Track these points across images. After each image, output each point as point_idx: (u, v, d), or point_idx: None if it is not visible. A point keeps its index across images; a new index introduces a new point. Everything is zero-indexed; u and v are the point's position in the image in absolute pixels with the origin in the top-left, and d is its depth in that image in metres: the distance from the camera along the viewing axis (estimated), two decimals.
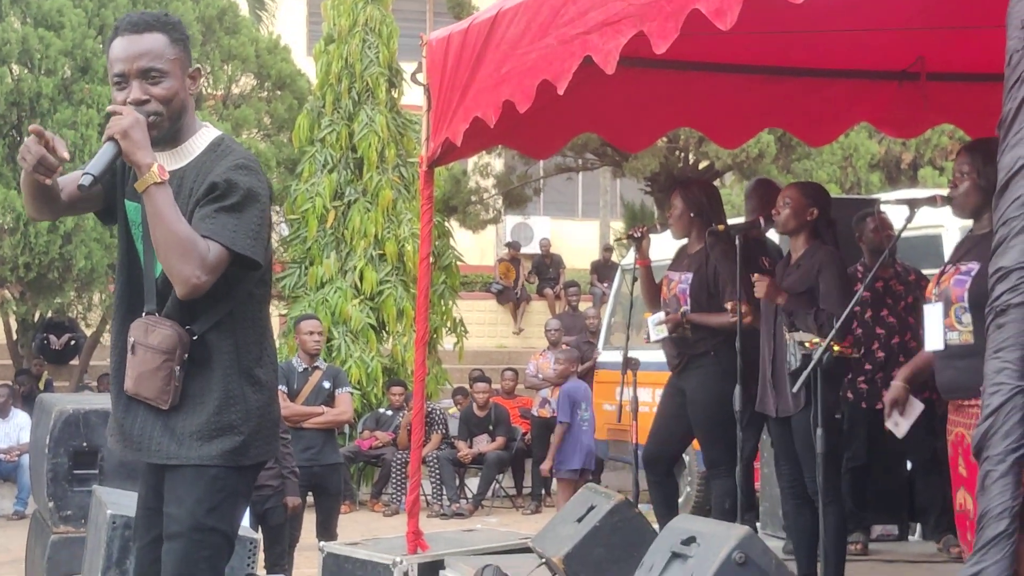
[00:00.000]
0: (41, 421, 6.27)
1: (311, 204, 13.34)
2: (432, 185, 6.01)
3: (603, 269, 19.18)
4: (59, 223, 12.03)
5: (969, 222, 4.30)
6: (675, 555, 3.97)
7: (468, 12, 14.05)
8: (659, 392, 6.17)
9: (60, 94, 12.69)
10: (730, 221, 5.98)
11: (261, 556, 6.27)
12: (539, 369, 12.31)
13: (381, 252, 13.39)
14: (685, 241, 6.03)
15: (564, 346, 12.21)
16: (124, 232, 3.39)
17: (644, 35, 3.79)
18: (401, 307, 13.21)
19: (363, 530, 9.58)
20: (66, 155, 3.09)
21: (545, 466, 10.90)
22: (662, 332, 5.87)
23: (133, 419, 3.32)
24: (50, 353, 15.88)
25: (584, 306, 15.92)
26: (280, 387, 7.43)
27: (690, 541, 3.94)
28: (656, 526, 5.13)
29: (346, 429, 12.29)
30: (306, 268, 13.45)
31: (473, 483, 12.42)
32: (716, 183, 14.61)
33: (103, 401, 5.86)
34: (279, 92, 15.17)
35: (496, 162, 17.06)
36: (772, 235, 6.11)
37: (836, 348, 4.68)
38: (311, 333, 7.95)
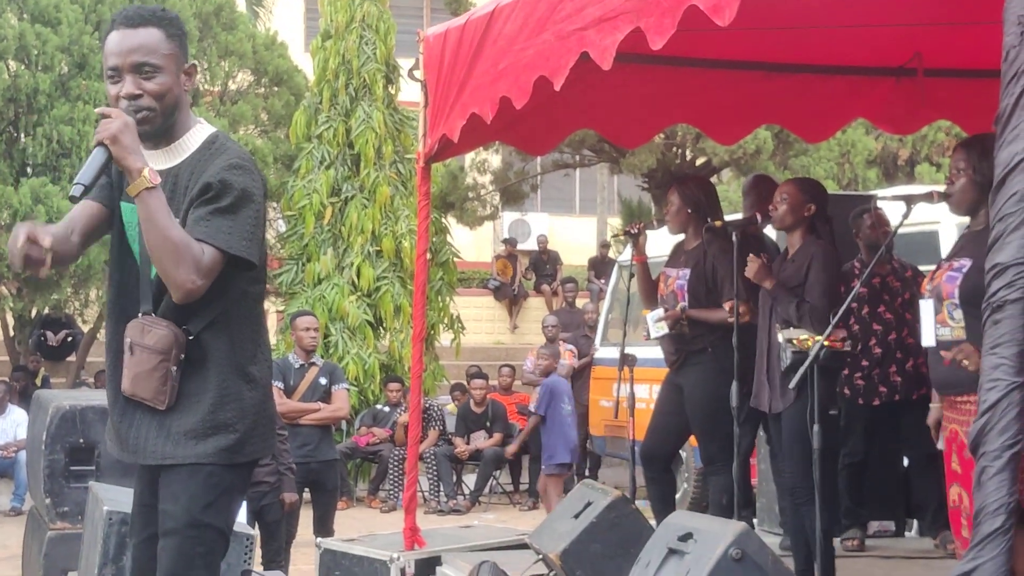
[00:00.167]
0: (38, 417, 6.25)
1: (308, 200, 13.31)
2: (429, 181, 6.01)
3: (600, 265, 19.14)
4: (53, 219, 12.00)
5: (966, 219, 4.30)
6: (672, 551, 3.97)
7: (465, 8, 14.03)
8: (656, 388, 6.16)
9: (57, 90, 12.67)
10: (727, 217, 5.98)
11: (258, 552, 6.27)
12: (536, 366, 12.30)
13: (378, 248, 13.37)
14: (682, 237, 6.04)
15: (561, 342, 12.19)
16: (118, 234, 3.37)
17: (641, 31, 3.78)
18: (398, 303, 13.19)
19: (360, 526, 9.56)
20: (47, 242, 3.02)
21: (510, 449, 11.80)
22: (662, 329, 5.87)
23: (129, 424, 3.31)
24: (47, 349, 15.85)
25: (581, 302, 15.91)
26: (277, 383, 7.46)
27: (687, 537, 3.95)
28: (653, 522, 5.13)
29: (343, 425, 12.29)
30: (303, 264, 13.43)
31: (470, 479, 12.41)
32: (713, 179, 14.65)
33: (100, 397, 5.85)
34: (276, 88, 15.13)
35: (493, 158, 17.02)
36: (770, 231, 6.11)
37: (826, 343, 4.69)
38: (307, 329, 7.95)
